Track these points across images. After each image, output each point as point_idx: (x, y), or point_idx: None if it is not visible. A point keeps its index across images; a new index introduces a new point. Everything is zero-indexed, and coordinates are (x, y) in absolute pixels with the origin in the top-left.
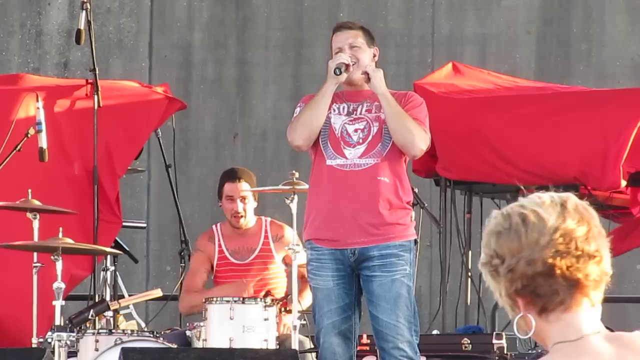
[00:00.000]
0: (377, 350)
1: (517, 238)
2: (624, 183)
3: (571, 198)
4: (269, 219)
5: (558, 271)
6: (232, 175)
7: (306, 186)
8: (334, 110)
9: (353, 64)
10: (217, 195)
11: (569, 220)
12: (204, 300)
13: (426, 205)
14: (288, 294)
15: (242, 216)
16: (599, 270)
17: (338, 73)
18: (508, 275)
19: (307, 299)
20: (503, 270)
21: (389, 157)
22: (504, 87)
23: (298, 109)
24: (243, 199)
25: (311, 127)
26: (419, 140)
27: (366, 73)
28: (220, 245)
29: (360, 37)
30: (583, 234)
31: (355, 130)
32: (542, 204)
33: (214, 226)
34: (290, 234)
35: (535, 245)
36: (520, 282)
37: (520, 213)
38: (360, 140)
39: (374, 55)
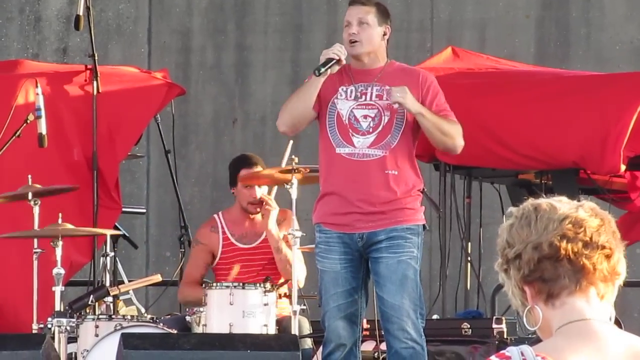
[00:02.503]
0: (378, 335)
1: (527, 224)
2: (623, 167)
3: (591, 203)
4: None
5: (563, 252)
6: (248, 161)
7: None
8: (341, 95)
9: (355, 42)
10: (230, 181)
11: (581, 211)
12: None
13: (425, 190)
14: (288, 279)
15: (258, 203)
16: (608, 265)
17: (317, 74)
18: (516, 262)
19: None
20: (511, 255)
21: (398, 149)
22: (503, 71)
23: None
24: (261, 185)
25: (294, 116)
26: (458, 139)
27: (396, 102)
28: (225, 233)
29: (371, 13)
30: (595, 224)
31: (365, 117)
32: (559, 200)
33: (215, 216)
34: (292, 218)
35: (544, 230)
36: (528, 267)
37: (534, 203)
38: (370, 130)
39: (385, 34)
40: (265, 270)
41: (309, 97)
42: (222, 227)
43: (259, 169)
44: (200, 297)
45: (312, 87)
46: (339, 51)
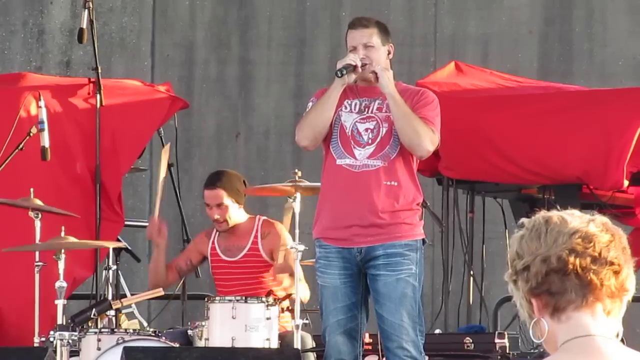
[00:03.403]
0: (380, 350)
1: (537, 237)
2: (626, 183)
3: (603, 218)
4: (263, 218)
5: (570, 267)
6: (208, 181)
7: (308, 184)
8: (345, 108)
9: (366, 65)
10: None
11: (592, 226)
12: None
13: (428, 204)
14: (290, 293)
15: (221, 222)
16: (616, 281)
17: (339, 75)
18: (524, 274)
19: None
20: (520, 266)
21: (397, 160)
22: (506, 86)
23: (310, 104)
24: (219, 205)
25: (317, 127)
26: (426, 141)
27: (374, 72)
28: (213, 243)
29: (375, 35)
30: (605, 240)
31: (366, 130)
32: (571, 214)
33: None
34: (280, 229)
35: (553, 243)
36: (535, 279)
37: (545, 216)
38: (370, 141)
39: (389, 52)
40: (247, 285)
41: (330, 106)
42: (214, 238)
43: (218, 190)
44: (153, 278)
45: (332, 95)
46: (355, 58)
